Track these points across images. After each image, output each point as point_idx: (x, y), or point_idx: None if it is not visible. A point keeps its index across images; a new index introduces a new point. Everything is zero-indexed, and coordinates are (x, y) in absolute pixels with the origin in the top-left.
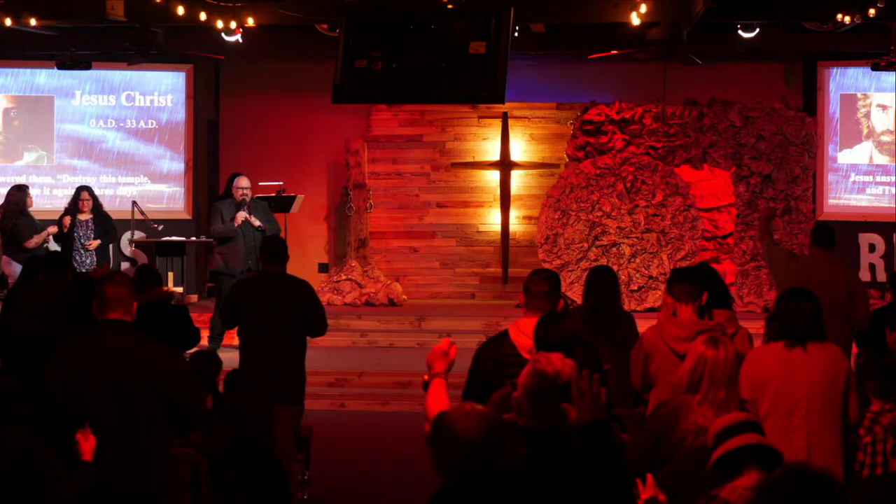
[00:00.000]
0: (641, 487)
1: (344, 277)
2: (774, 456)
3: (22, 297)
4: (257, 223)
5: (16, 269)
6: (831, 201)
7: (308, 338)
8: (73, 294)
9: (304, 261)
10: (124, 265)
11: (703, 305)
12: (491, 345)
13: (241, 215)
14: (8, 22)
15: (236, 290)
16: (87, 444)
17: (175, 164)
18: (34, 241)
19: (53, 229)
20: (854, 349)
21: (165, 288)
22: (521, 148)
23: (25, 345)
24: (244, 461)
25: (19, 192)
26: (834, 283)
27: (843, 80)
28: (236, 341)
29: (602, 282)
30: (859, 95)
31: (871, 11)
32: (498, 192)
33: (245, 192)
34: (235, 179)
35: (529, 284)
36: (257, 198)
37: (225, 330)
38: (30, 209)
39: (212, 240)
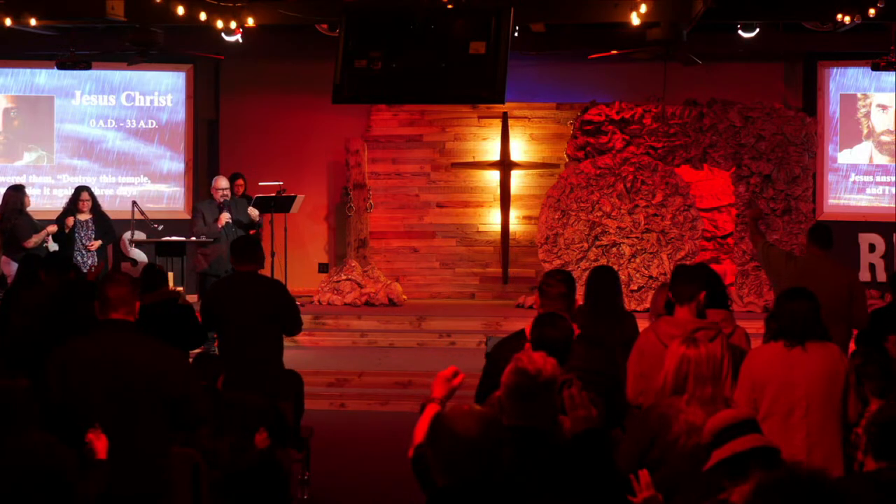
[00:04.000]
0: (637, 487)
1: (344, 277)
2: (777, 456)
3: (22, 296)
4: (249, 219)
5: (15, 268)
6: (831, 201)
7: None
8: (74, 293)
9: (304, 261)
10: (124, 265)
11: (702, 305)
12: (507, 345)
13: (225, 217)
14: (8, 22)
15: (211, 292)
16: (99, 443)
17: (175, 164)
18: (33, 241)
19: (53, 228)
20: (853, 348)
21: (172, 287)
22: (521, 148)
23: (27, 344)
24: (244, 461)
25: (16, 193)
26: (833, 283)
27: (843, 80)
28: None
29: (603, 282)
30: (859, 95)
31: (871, 11)
32: (498, 192)
33: (225, 192)
34: (213, 180)
35: (545, 287)
36: (243, 196)
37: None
38: (28, 209)
39: (202, 240)
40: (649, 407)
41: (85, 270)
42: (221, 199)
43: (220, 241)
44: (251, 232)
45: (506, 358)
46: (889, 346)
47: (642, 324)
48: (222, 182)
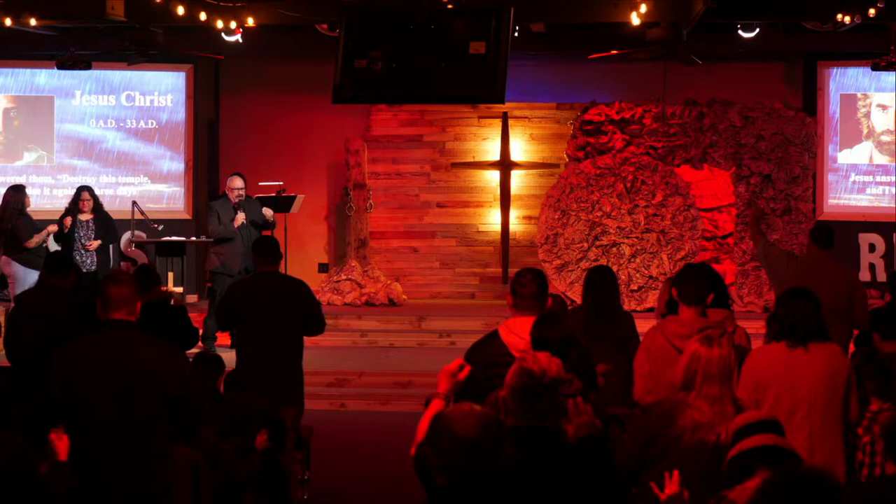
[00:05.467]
0: (668, 481)
1: (344, 277)
2: (790, 457)
3: (26, 297)
4: (264, 220)
5: (15, 269)
6: (831, 201)
7: (306, 338)
8: (78, 294)
9: (304, 261)
10: (124, 265)
11: (707, 306)
12: (481, 346)
13: (241, 217)
14: (8, 22)
15: (233, 291)
16: (61, 444)
17: (175, 164)
18: (34, 241)
19: (53, 228)
20: (852, 349)
21: (164, 288)
22: (521, 148)
23: (30, 345)
24: (246, 464)
25: (17, 193)
26: (834, 283)
27: (843, 80)
28: (229, 341)
29: (601, 282)
30: (859, 95)
31: (871, 11)
32: (498, 192)
33: (240, 192)
34: (229, 180)
35: (517, 286)
36: (248, 196)
37: (218, 330)
38: (28, 209)
39: (212, 240)
40: (654, 403)
41: (84, 270)
42: (237, 200)
43: (235, 240)
44: (265, 232)
45: (480, 359)
46: (875, 346)
47: (642, 323)
48: (237, 182)
